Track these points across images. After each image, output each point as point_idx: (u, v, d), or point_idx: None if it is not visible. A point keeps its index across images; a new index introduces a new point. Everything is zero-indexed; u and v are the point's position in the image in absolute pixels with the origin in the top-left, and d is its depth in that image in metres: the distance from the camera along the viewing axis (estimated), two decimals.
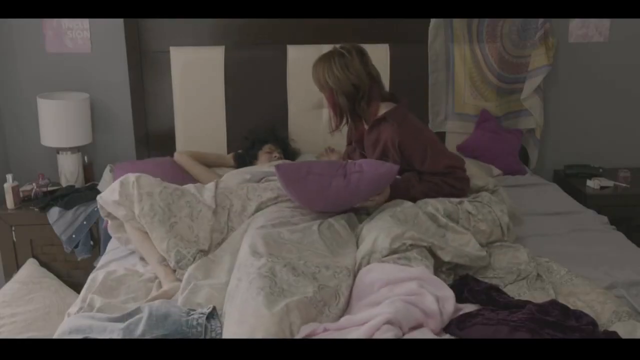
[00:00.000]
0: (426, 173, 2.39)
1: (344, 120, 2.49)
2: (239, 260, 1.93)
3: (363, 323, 1.61)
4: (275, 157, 2.85)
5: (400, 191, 2.36)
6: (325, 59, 2.43)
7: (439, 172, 2.38)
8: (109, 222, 2.35)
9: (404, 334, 1.63)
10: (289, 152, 2.99)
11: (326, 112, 3.16)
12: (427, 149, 2.38)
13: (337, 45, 2.45)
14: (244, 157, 2.95)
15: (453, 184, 2.38)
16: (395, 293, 1.75)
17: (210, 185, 2.36)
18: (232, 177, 2.55)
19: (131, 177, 2.23)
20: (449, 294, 1.78)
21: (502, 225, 2.30)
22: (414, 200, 2.34)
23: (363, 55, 2.42)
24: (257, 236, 1.99)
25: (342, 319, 1.70)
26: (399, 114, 2.40)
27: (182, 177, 2.77)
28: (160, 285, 2.08)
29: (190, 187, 2.34)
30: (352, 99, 2.41)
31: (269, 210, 2.24)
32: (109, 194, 2.23)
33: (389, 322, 1.59)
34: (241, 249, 1.99)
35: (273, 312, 1.62)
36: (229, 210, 2.27)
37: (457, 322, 1.70)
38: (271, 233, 2.02)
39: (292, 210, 2.24)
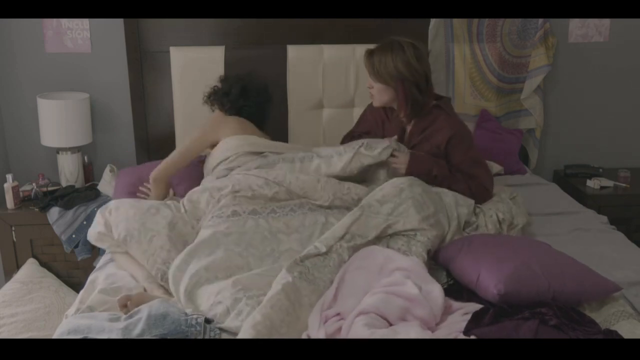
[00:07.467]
0: (455, 167, 2.43)
1: (411, 112, 2.48)
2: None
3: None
4: None
5: (423, 165, 2.37)
6: (396, 49, 2.39)
7: (467, 174, 2.42)
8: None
9: (390, 323, 1.69)
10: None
11: (326, 112, 3.16)
12: (471, 147, 2.44)
13: (396, 38, 2.43)
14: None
15: (473, 188, 2.40)
16: (381, 284, 1.80)
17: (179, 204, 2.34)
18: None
19: (111, 205, 2.25)
20: (435, 287, 1.80)
21: (501, 220, 2.33)
22: (431, 180, 2.36)
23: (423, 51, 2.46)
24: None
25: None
26: (450, 105, 2.50)
27: (189, 174, 2.76)
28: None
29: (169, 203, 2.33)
30: (422, 90, 2.43)
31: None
32: (94, 228, 2.24)
33: (360, 312, 1.66)
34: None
35: None
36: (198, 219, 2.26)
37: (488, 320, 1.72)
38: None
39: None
